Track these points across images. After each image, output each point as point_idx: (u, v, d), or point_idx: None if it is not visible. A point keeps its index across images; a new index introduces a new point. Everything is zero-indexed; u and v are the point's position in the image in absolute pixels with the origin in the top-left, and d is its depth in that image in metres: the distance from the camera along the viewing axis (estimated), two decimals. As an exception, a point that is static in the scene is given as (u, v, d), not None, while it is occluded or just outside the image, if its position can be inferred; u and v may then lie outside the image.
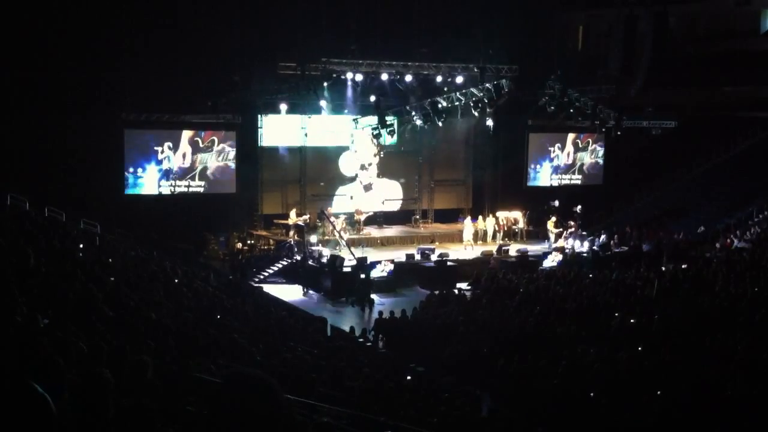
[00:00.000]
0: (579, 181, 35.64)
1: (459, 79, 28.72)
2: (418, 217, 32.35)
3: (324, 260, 25.34)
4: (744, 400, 10.26)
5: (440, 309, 19.56)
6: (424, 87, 28.67)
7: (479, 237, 29.81)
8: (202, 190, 28.37)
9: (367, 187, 30.84)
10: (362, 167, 30.83)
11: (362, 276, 23.65)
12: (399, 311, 19.20)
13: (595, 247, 28.41)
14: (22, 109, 23.86)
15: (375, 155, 30.78)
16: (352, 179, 30.95)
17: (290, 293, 23.97)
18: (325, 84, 27.41)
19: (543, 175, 35.15)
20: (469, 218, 30.47)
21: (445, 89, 28.48)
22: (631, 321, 16.11)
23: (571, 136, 35.11)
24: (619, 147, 33.94)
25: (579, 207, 31.41)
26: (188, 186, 28.18)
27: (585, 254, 27.91)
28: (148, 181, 27.65)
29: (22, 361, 3.91)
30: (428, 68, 28.52)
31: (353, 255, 24.74)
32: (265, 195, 29.52)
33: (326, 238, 27.65)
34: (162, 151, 27.70)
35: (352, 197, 30.23)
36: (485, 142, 32.67)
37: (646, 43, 29.23)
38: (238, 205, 28.89)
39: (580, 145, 35.52)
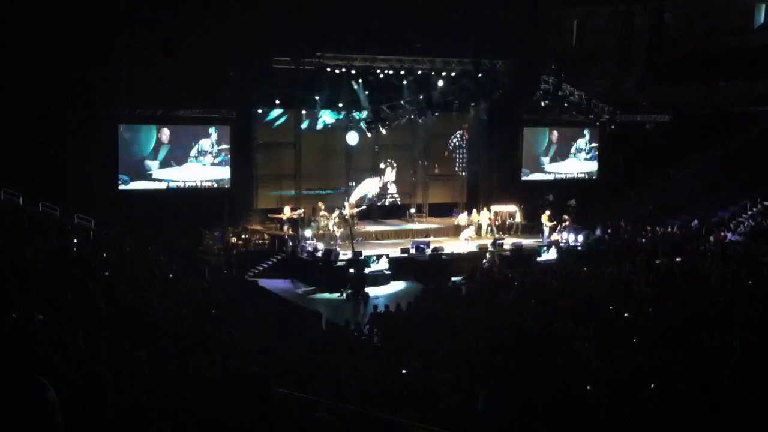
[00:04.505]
0: (574, 175, 35.66)
1: (454, 74, 28.68)
2: (413, 211, 32.34)
3: (318, 254, 25.38)
4: (741, 397, 10.27)
5: (435, 303, 19.56)
6: (419, 81, 28.62)
7: (474, 231, 29.80)
8: (197, 185, 28.30)
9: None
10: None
11: (356, 270, 23.66)
12: (394, 305, 19.20)
13: (590, 241, 28.46)
14: (16, 104, 23.73)
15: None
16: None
17: (285, 288, 23.97)
18: (320, 78, 27.37)
19: (537, 169, 35.11)
20: (465, 212, 30.49)
21: (440, 83, 28.44)
22: (625, 315, 16.12)
23: (566, 131, 35.10)
24: (614, 142, 33.93)
25: (573, 201, 31.43)
26: (184, 181, 28.11)
27: (579, 248, 27.97)
28: (142, 177, 27.52)
29: (19, 358, 3.89)
30: (423, 62, 28.47)
31: (354, 250, 24.76)
32: (260, 190, 29.47)
33: (321, 232, 27.63)
34: (157, 146, 27.60)
35: (347, 191, 30.21)
36: (480, 137, 32.68)
37: (641, 39, 29.21)
38: (233, 200, 28.84)
39: (576, 140, 35.51)
